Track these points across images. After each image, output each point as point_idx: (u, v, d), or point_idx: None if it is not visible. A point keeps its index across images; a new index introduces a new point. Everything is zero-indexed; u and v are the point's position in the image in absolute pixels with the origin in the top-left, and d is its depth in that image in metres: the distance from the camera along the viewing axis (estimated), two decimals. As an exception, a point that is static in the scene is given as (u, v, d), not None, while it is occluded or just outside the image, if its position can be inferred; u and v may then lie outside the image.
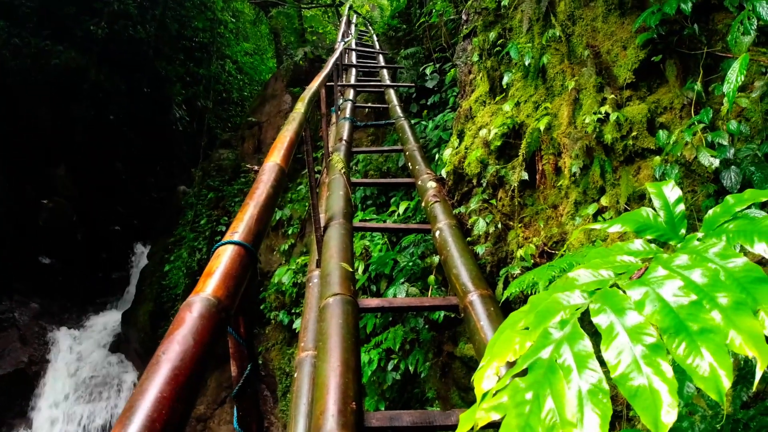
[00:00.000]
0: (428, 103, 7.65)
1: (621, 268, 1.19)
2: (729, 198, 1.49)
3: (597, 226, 1.86)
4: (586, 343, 0.90)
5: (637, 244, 1.41)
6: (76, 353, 14.21)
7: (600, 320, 0.94)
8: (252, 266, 1.21)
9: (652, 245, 1.43)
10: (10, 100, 14.99)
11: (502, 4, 4.02)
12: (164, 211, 16.45)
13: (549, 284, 2.37)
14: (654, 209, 1.65)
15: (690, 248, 1.22)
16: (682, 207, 1.59)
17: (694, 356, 0.80)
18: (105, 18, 16.74)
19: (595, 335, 0.96)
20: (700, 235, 1.36)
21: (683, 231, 1.53)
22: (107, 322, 15.18)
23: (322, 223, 3.12)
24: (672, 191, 1.67)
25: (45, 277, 14.96)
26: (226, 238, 1.23)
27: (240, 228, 1.29)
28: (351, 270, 2.57)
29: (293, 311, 7.68)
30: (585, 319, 1.00)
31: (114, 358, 14.15)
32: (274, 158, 1.85)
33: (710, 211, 1.50)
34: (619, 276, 1.13)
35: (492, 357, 1.01)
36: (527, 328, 1.03)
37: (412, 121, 7.43)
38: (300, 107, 2.76)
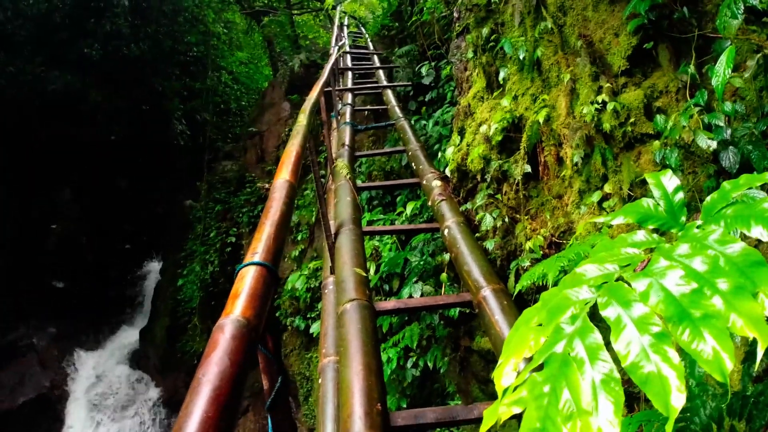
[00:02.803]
0: (426, 100, 7.69)
1: (625, 260, 1.25)
2: (725, 184, 1.55)
3: (601, 219, 1.91)
4: (596, 336, 0.95)
5: (640, 235, 1.47)
6: (97, 373, 14.39)
7: (608, 313, 1.00)
8: (274, 285, 1.28)
9: (655, 235, 1.49)
10: (10, 128, 15.13)
11: (493, 0, 4.07)
12: (172, 226, 16.59)
13: (559, 275, 2.43)
14: (654, 199, 1.71)
15: (690, 236, 1.28)
16: (681, 195, 1.64)
17: (698, 341, 0.86)
18: (98, 40, 16.85)
19: (604, 327, 1.02)
20: (699, 222, 1.42)
21: (683, 218, 1.58)
22: (124, 340, 15.36)
23: (333, 230, 3.19)
24: (670, 181, 1.73)
25: (59, 301, 15.15)
26: (247, 260, 1.30)
27: (259, 248, 1.36)
28: (365, 275, 2.64)
29: (308, 316, 7.77)
30: (594, 313, 1.06)
31: (134, 375, 14.31)
32: (284, 175, 1.92)
33: (708, 198, 1.55)
34: (624, 268, 1.19)
35: (509, 354, 1.07)
36: (540, 325, 1.09)
37: (412, 119, 7.49)
38: (302, 119, 2.82)
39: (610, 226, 3.23)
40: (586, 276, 1.19)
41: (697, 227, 1.39)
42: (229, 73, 20.17)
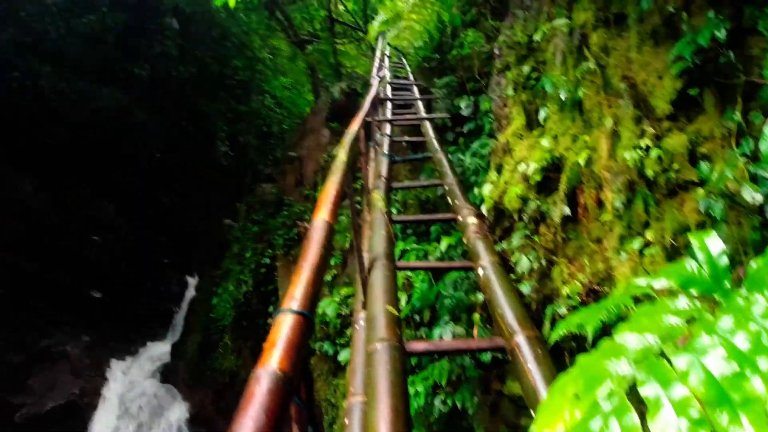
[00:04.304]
0: (464, 131, 7.72)
1: (667, 331, 1.22)
2: (772, 249, 1.50)
3: (642, 281, 1.87)
4: (633, 417, 0.94)
5: (682, 302, 1.43)
6: (127, 384, 14.66)
7: (647, 392, 0.98)
8: (310, 333, 1.30)
9: (697, 302, 1.45)
10: (58, 142, 15.82)
11: (534, 38, 4.09)
12: (209, 244, 16.97)
13: (597, 329, 2.37)
14: (698, 261, 1.66)
15: (733, 307, 1.24)
16: (725, 260, 1.60)
17: (736, 427, 0.83)
18: (148, 60, 17.63)
19: (640, 401, 1.00)
20: (743, 291, 1.38)
21: (727, 283, 1.54)
22: (156, 353, 15.63)
23: (366, 264, 3.21)
24: (714, 243, 1.69)
25: (95, 311, 15.57)
26: (285, 306, 1.33)
27: (297, 294, 1.39)
28: (396, 314, 2.64)
29: (337, 342, 7.76)
30: (632, 388, 1.04)
31: (163, 389, 14.52)
32: (322, 214, 1.96)
33: (753, 264, 1.50)
34: (665, 341, 1.16)
35: (543, 425, 1.05)
36: (577, 396, 1.08)
37: (449, 149, 7.51)
38: (342, 155, 2.88)
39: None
40: (626, 347, 1.17)
41: (741, 297, 1.35)
42: (272, 97, 20.75)
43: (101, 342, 15.20)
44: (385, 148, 5.73)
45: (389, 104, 7.83)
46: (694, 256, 1.78)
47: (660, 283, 1.67)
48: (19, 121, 14.90)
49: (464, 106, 6.66)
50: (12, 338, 13.18)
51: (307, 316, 1.31)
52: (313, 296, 1.44)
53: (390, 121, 6.88)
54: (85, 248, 16.32)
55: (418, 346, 2.62)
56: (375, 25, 7.69)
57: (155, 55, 17.90)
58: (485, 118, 7.29)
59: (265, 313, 10.55)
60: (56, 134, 15.73)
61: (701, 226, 3.02)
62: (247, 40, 19.70)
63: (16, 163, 15.08)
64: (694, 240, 1.78)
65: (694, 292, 1.57)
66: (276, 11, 15.75)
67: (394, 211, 7.21)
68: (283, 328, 1.23)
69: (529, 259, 3.23)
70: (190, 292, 16.99)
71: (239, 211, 14.43)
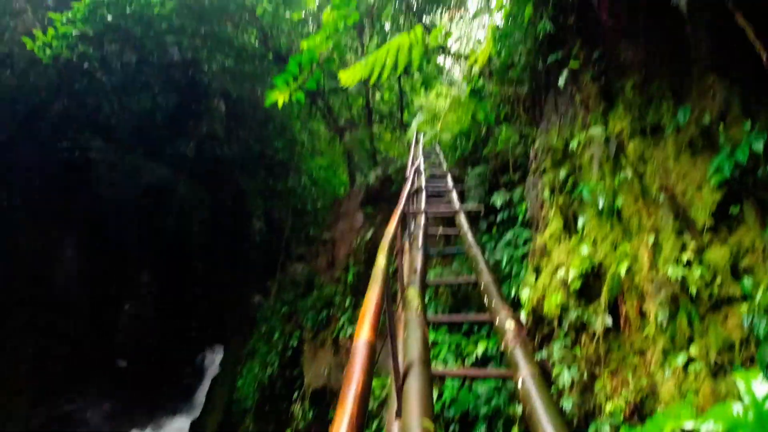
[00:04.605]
0: (497, 220, 7.75)
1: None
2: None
3: (689, 424, 1.81)
4: None
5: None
6: (144, 458, 14.29)
7: None
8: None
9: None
10: (102, 211, 16.49)
11: (571, 145, 4.20)
12: (238, 320, 16.97)
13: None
14: (743, 404, 1.61)
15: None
16: (771, 403, 1.54)
17: None
18: (194, 139, 18.63)
19: None
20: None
21: (773, 429, 1.48)
22: (177, 427, 15.27)
23: (401, 369, 3.15)
24: (761, 386, 1.64)
25: (119, 379, 15.49)
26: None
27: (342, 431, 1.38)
28: (432, 428, 2.56)
29: (363, 434, 7.47)
30: None
31: (182, 467, 14.06)
32: (364, 335, 1.97)
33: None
34: None
35: None
36: None
37: (482, 238, 7.51)
38: (381, 261, 2.92)
39: (697, 392, 3.00)
40: None
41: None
42: (308, 177, 21.42)
43: (122, 411, 15.02)
44: (420, 241, 5.79)
45: (424, 194, 7.99)
46: (740, 397, 1.72)
47: (707, 426, 1.62)
48: (65, 190, 15.67)
49: (499, 203, 6.76)
50: (36, 400, 13.17)
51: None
52: (358, 429, 1.42)
53: (425, 212, 7.00)
54: (117, 316, 16.55)
55: (455, 466, 2.51)
56: (413, 125, 8.04)
57: (202, 134, 18.91)
58: (518, 208, 7.34)
59: (289, 399, 10.29)
60: (101, 203, 16.45)
61: (746, 342, 2.92)
62: (288, 124, 20.69)
63: (60, 226, 15.71)
64: (740, 380, 1.72)
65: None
66: (318, 99, 16.67)
67: (426, 299, 7.15)
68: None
69: (570, 372, 3.13)
70: (214, 368, 16.81)
71: (270, 288, 14.52)
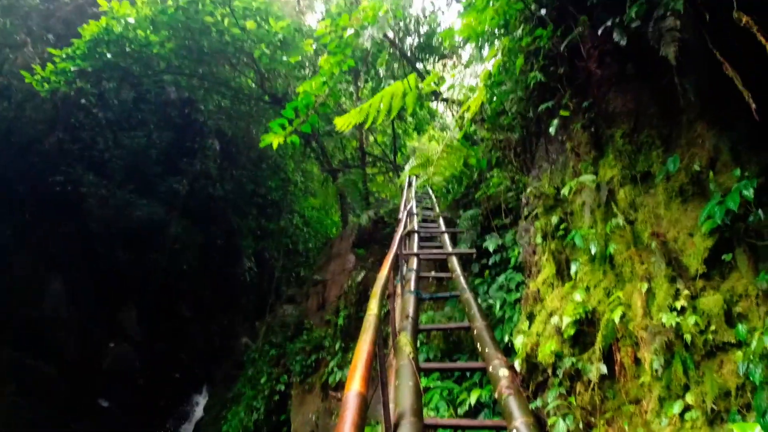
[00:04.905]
0: (489, 263, 7.73)
1: None
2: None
3: None
4: None
5: None
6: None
7: None
8: None
9: None
10: (92, 246, 16.26)
11: (562, 192, 4.23)
12: (225, 361, 16.58)
13: None
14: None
15: None
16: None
17: None
18: (187, 177, 18.65)
19: None
20: None
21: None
22: (158, 475, 14.68)
23: (392, 419, 3.07)
24: None
25: (102, 420, 14.94)
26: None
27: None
28: (425, 482, 2.46)
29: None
30: None
31: None
32: (355, 386, 1.91)
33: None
34: None
35: None
36: None
37: (474, 281, 7.47)
38: (374, 308, 2.88)
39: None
40: None
41: None
42: (300, 216, 21.44)
43: (105, 455, 14.42)
44: (412, 285, 5.75)
45: (416, 237, 7.99)
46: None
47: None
48: (56, 225, 15.50)
49: (492, 247, 6.77)
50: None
51: None
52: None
53: (417, 255, 6.97)
54: (101, 355, 16.11)
55: None
56: (406, 169, 8.14)
57: (195, 172, 18.96)
58: (510, 251, 7.33)
59: (276, 446, 9.95)
60: (89, 239, 16.24)
61: (741, 389, 2.89)
62: (282, 164, 20.86)
63: (47, 263, 15.46)
64: (741, 435, 1.69)
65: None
66: (312, 141, 16.90)
67: (423, 364, 7.04)
68: None
69: (566, 422, 3.05)
70: (199, 412, 16.30)
71: (258, 330, 14.27)
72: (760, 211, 3.15)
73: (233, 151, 20.65)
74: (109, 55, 12.36)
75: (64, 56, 11.88)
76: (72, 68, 11.90)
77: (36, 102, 14.63)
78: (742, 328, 2.98)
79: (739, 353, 2.91)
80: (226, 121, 18.92)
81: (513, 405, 3.16)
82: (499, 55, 5.35)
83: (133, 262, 17.10)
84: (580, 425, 3.12)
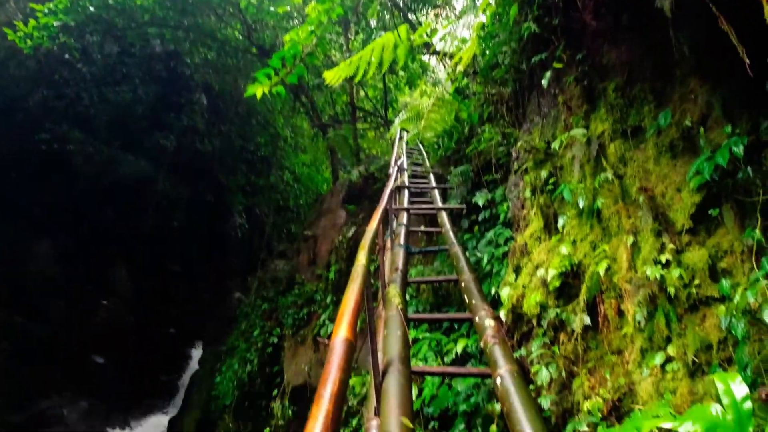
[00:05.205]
0: (479, 219, 7.78)
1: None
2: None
3: (668, 424, 1.82)
4: None
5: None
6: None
7: None
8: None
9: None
10: (78, 204, 16.16)
11: (552, 146, 4.22)
12: (218, 316, 16.80)
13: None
14: (722, 405, 1.63)
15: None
16: (749, 405, 1.57)
17: None
18: (174, 132, 18.34)
19: None
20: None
21: (750, 430, 1.50)
22: (154, 426, 15.10)
23: (381, 367, 3.14)
24: (739, 387, 1.67)
25: (96, 376, 15.24)
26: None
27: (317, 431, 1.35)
28: (411, 426, 2.54)
29: (342, 432, 7.46)
30: None
31: (158, 467, 13.91)
32: (342, 332, 1.94)
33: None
34: None
35: None
36: None
37: (464, 237, 7.53)
38: (362, 259, 2.90)
39: (674, 391, 3.03)
40: None
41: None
42: (291, 173, 21.30)
43: (99, 409, 14.77)
44: (402, 239, 5.78)
45: (407, 192, 7.98)
46: (719, 399, 1.74)
47: (686, 426, 1.63)
48: (42, 183, 15.33)
49: (481, 202, 6.78)
50: (14, 398, 12.88)
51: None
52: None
53: (407, 210, 6.98)
54: (94, 313, 16.26)
55: (433, 465, 2.50)
56: (396, 122, 8.04)
57: (182, 127, 18.65)
58: (500, 207, 7.38)
59: (269, 396, 10.21)
60: (76, 197, 16.10)
61: (723, 343, 2.96)
62: (271, 119, 20.54)
63: (33, 223, 15.38)
64: (719, 382, 1.74)
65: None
66: (301, 95, 16.57)
67: (407, 296, 7.15)
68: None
69: (549, 370, 3.14)
70: (194, 366, 16.62)
71: (250, 285, 14.40)
72: (749, 168, 3.15)
73: (221, 106, 20.26)
74: (91, 8, 11.99)
75: (46, 11, 11.55)
76: (55, 23, 11.58)
77: (19, 59, 14.21)
78: (726, 283, 3.02)
79: (722, 308, 2.95)
80: (213, 75, 18.48)
81: (498, 354, 3.23)
82: (492, 2, 5.20)
83: (122, 220, 17.03)
84: (563, 373, 3.21)
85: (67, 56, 15.22)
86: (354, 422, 7.15)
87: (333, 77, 6.08)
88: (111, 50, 16.69)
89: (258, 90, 3.73)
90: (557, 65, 4.47)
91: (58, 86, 15.57)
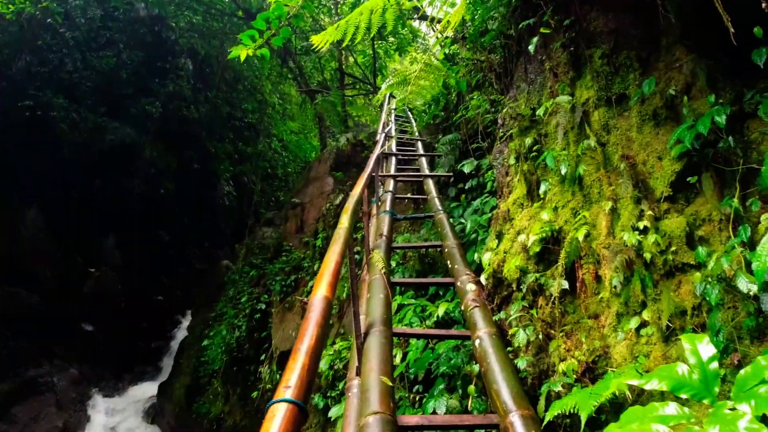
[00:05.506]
0: (466, 187, 7.82)
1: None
2: (760, 359, 1.52)
3: (635, 381, 1.88)
4: None
5: (671, 408, 1.45)
6: (112, 422, 14.31)
7: None
8: (303, 422, 1.30)
9: (686, 409, 1.46)
10: (66, 173, 15.97)
11: (537, 113, 4.22)
12: (206, 284, 16.87)
13: (590, 413, 2.35)
14: (689, 365, 1.68)
15: (720, 418, 1.26)
16: (715, 365, 1.63)
17: None
18: (160, 98, 18.03)
19: None
20: (730, 403, 1.39)
21: (716, 389, 1.55)
22: (144, 391, 15.32)
23: (363, 329, 3.20)
24: (706, 348, 1.72)
25: (86, 344, 15.37)
26: (279, 396, 1.33)
27: (292, 381, 1.39)
28: (390, 384, 2.62)
29: (329, 395, 7.62)
30: None
31: (148, 430, 14.15)
32: (321, 290, 1.98)
33: (742, 372, 1.52)
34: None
35: None
36: None
37: (451, 205, 7.60)
38: (345, 222, 2.92)
39: (647, 355, 3.13)
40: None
41: (729, 408, 1.36)
42: (279, 141, 21.09)
43: (89, 376, 14.94)
44: (388, 205, 5.81)
45: (393, 159, 7.97)
46: (685, 359, 1.81)
47: (652, 384, 1.69)
48: (28, 152, 15.10)
49: (468, 170, 6.79)
50: (3, 365, 12.97)
51: (301, 406, 1.31)
52: (309, 384, 1.44)
53: (393, 177, 6.99)
54: (82, 281, 16.26)
55: (411, 420, 2.58)
56: (383, 88, 7.95)
57: (168, 93, 18.32)
58: (487, 176, 7.41)
59: (257, 361, 10.37)
60: (63, 165, 15.91)
61: (697, 309, 3.04)
62: (258, 85, 20.20)
63: (21, 192, 15.23)
64: (686, 343, 1.80)
65: (684, 395, 1.59)
66: (289, 60, 16.27)
67: (393, 264, 7.23)
68: (275, 421, 1.22)
69: (526, 332, 3.22)
70: (182, 333, 16.77)
71: (238, 253, 14.42)
72: (730, 138, 3.18)
73: (207, 72, 19.87)
74: (74, -29, 11.55)
75: (29, -26, 11.12)
76: (37, -13, 11.18)
77: (2, 25, 13.76)
78: (702, 250, 3.07)
79: (698, 274, 3.01)
80: (198, 40, 18.05)
81: (478, 316, 3.31)
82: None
83: (109, 189, 16.88)
84: (540, 336, 3.30)
85: (49, 20, 14.79)
86: (341, 386, 7.29)
87: (320, 41, 5.96)
88: (94, 14, 16.24)
89: (243, 52, 3.66)
90: (545, 31, 4.44)
91: (41, 52, 15.19)
